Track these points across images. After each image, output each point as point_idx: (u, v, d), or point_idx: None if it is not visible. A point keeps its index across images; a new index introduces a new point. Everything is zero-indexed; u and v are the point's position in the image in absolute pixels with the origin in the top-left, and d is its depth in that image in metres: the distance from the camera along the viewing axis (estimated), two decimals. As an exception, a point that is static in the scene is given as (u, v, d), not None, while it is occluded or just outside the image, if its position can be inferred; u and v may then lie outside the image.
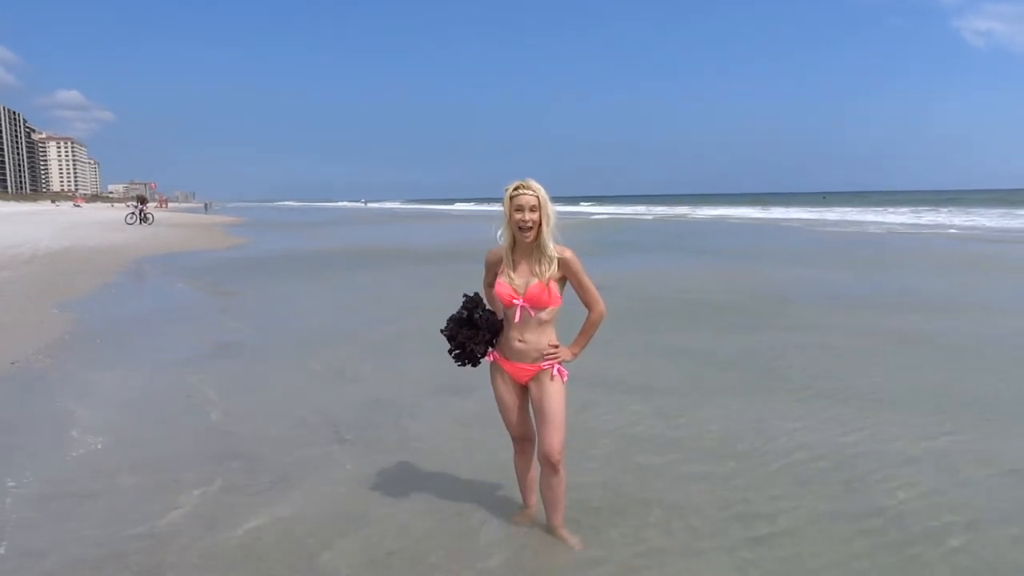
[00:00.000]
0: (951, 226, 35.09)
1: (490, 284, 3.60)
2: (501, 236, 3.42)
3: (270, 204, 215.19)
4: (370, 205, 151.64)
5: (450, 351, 3.58)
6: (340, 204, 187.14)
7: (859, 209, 56.85)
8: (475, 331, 3.48)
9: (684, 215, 57.09)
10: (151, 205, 49.52)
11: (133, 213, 40.62)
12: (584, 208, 77.58)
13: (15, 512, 3.97)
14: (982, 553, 3.45)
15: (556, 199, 3.35)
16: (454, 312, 3.56)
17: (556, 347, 3.43)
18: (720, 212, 60.95)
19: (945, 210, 51.72)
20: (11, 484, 4.36)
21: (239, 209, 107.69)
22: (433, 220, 57.00)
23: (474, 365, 3.60)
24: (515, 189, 3.27)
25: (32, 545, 3.61)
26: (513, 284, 3.37)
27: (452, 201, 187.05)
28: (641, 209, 72.61)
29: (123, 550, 3.54)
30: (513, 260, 3.40)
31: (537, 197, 3.26)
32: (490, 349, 3.56)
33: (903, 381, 6.50)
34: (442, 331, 3.58)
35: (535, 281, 3.33)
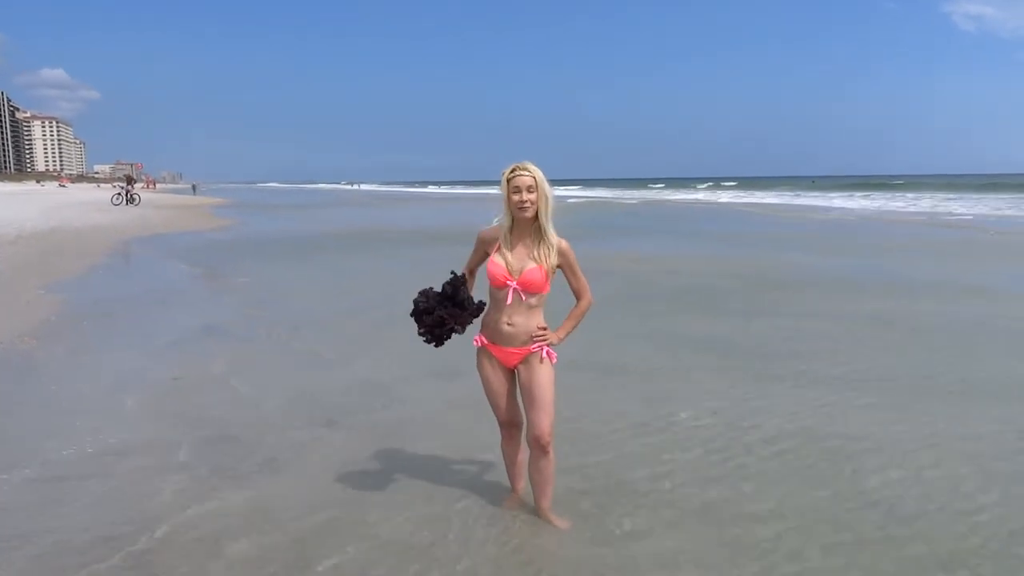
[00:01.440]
0: (895, 211, 34.69)
1: (474, 266, 3.60)
2: (499, 219, 3.42)
3: (252, 185, 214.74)
4: (359, 187, 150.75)
5: (422, 325, 3.40)
6: (319, 186, 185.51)
7: (837, 194, 56.82)
8: (460, 311, 3.39)
9: (633, 199, 55.81)
10: (138, 186, 48.99)
11: (119, 194, 40.18)
12: (558, 192, 76.21)
13: (0, 495, 3.94)
14: (976, 539, 3.51)
15: None
16: (430, 287, 3.45)
17: (544, 329, 3.44)
18: (682, 196, 60.70)
19: (910, 195, 51.70)
20: (-4, 467, 4.34)
21: (224, 190, 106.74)
22: (411, 202, 56.55)
23: (438, 345, 3.47)
24: (512, 172, 3.29)
25: (18, 528, 3.59)
26: (508, 265, 3.36)
27: (425, 183, 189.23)
28: (609, 193, 71.67)
29: (110, 534, 3.53)
30: (510, 242, 3.40)
31: (534, 178, 3.27)
32: (457, 334, 3.49)
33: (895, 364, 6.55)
34: (418, 302, 3.40)
35: (532, 265, 3.33)
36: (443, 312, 3.38)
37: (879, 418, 5.08)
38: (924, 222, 27.46)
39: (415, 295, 3.46)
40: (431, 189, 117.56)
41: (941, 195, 49.55)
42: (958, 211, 33.51)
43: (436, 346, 3.48)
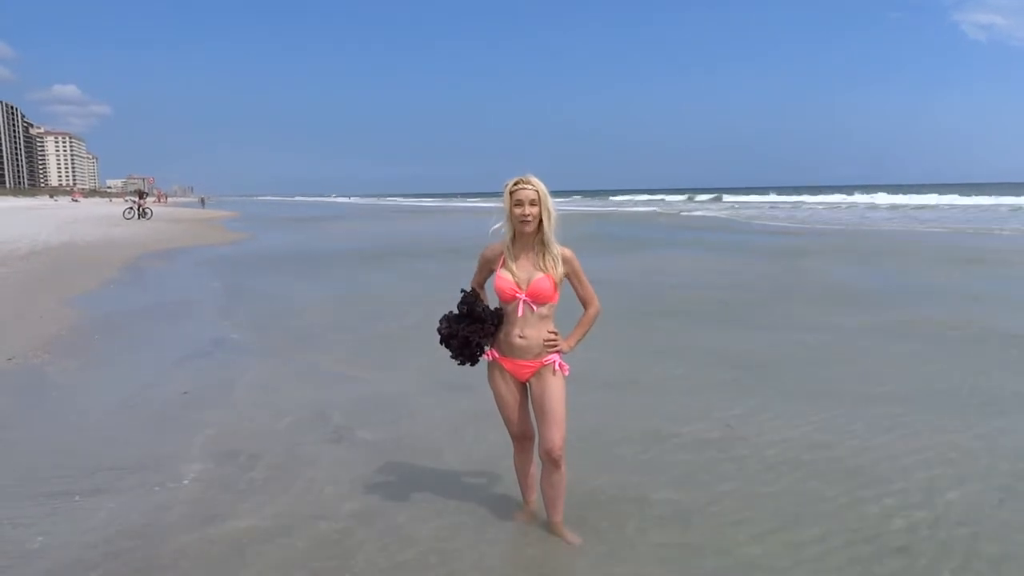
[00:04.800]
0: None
1: (481, 283, 3.61)
2: (501, 230, 3.41)
3: (251, 198, 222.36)
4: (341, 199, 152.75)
5: (452, 349, 3.51)
6: (311, 199, 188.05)
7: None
8: (481, 324, 3.42)
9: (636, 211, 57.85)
10: (150, 200, 49.44)
11: (131, 208, 40.50)
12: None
13: (10, 510, 3.95)
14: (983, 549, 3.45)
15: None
16: (448, 312, 3.52)
17: (555, 334, 3.42)
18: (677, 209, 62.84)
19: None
20: (6, 481, 4.35)
21: (231, 204, 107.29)
22: (403, 216, 56.86)
23: (473, 364, 3.56)
24: (515, 184, 3.29)
25: (27, 544, 3.58)
26: (516, 278, 3.35)
27: (408, 196, 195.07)
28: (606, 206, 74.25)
29: (119, 548, 3.52)
30: (514, 254, 3.39)
31: (537, 191, 3.27)
32: (487, 348, 3.54)
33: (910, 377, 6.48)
34: (440, 329, 3.51)
35: (539, 275, 3.33)
36: (466, 332, 3.43)
37: (903, 434, 5.03)
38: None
39: (437, 324, 3.53)
40: (408, 201, 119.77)
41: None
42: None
43: (472, 365, 3.55)
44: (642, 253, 19.55)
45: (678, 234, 27.54)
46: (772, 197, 74.09)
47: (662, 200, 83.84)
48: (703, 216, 42.02)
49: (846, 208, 49.26)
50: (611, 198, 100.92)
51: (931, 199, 52.80)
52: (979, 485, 4.13)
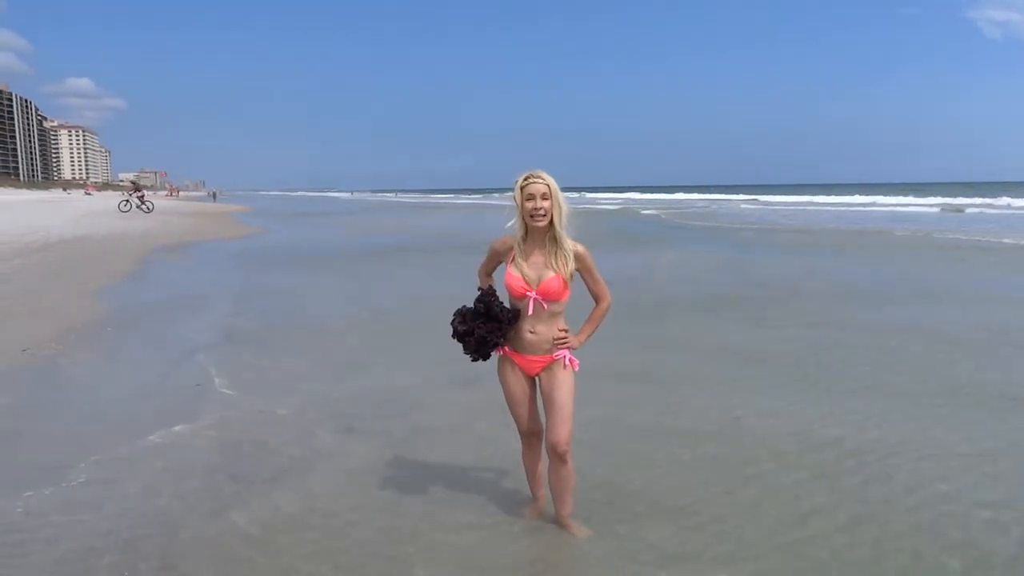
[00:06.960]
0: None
1: (488, 273, 3.61)
2: (512, 227, 3.42)
3: (256, 192, 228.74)
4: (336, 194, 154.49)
5: (467, 346, 3.48)
6: (311, 194, 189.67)
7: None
8: (498, 324, 3.42)
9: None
10: (161, 194, 49.11)
11: (127, 200, 38.83)
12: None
13: (24, 501, 3.99)
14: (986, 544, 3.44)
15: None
16: (463, 306, 3.52)
17: (565, 331, 3.44)
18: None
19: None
20: (19, 470, 4.40)
21: (240, 198, 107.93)
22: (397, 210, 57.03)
23: (485, 359, 3.56)
24: (525, 179, 3.29)
25: (42, 533, 3.63)
26: (526, 276, 3.36)
27: (402, 191, 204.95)
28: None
29: (133, 537, 3.56)
30: (525, 251, 3.40)
31: (548, 186, 3.27)
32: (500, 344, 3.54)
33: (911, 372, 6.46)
34: (456, 324, 3.49)
35: (551, 274, 3.33)
36: (482, 331, 3.42)
37: (911, 427, 5.02)
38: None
39: (452, 318, 3.51)
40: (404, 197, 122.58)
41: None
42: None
43: (484, 360, 3.55)
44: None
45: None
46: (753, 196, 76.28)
47: (627, 198, 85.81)
48: (651, 214, 42.24)
49: (812, 208, 49.02)
50: (586, 195, 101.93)
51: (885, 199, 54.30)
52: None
